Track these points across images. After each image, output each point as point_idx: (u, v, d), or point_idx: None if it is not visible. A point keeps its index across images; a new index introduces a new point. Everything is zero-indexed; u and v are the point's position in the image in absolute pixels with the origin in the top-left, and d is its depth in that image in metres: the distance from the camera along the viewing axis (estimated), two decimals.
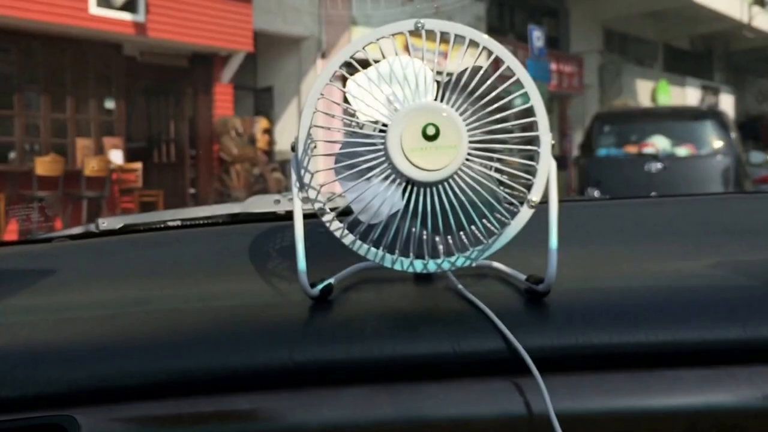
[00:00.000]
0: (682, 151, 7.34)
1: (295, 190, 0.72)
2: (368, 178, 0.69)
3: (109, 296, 0.83)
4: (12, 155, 7.78)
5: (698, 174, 7.05)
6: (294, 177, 0.72)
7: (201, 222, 1.09)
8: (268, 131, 9.20)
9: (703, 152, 7.30)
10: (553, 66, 12.93)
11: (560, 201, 0.72)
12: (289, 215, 0.75)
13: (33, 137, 7.98)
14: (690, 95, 15.97)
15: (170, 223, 1.07)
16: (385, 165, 0.69)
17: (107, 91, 8.59)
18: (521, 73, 0.69)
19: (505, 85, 0.70)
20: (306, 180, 0.71)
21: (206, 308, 0.76)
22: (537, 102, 0.69)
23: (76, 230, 1.13)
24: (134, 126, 9.09)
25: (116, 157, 8.23)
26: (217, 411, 0.66)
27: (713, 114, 8.24)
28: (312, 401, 0.66)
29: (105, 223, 1.08)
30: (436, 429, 0.65)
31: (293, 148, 0.71)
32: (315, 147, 0.71)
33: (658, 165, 6.97)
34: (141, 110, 9.33)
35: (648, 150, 7.29)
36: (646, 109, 12.34)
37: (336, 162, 0.72)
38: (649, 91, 15.00)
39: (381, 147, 0.69)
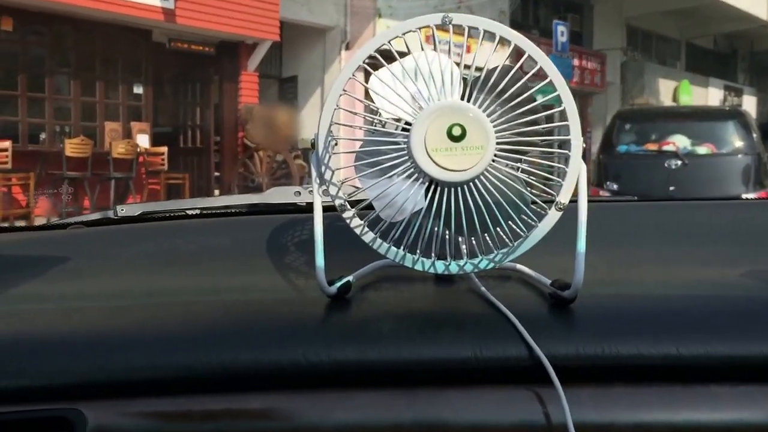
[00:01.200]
0: (703, 149, 7.23)
1: (315, 186, 0.69)
2: (390, 177, 0.66)
3: (122, 286, 0.80)
4: (42, 136, 7.84)
5: (718, 172, 6.94)
6: (314, 173, 0.69)
7: (220, 212, 1.06)
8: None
9: (724, 151, 7.19)
10: (576, 62, 12.80)
11: (588, 201, 0.68)
12: (309, 207, 0.72)
13: (63, 120, 8.04)
14: (712, 95, 15.76)
15: (189, 212, 1.04)
16: (408, 164, 0.66)
17: (136, 77, 8.61)
18: (554, 74, 0.65)
19: (537, 87, 0.66)
20: (327, 176, 0.68)
21: (219, 302, 0.73)
22: (569, 105, 0.65)
23: (94, 216, 1.11)
24: (161, 111, 9.14)
25: (143, 141, 8.27)
26: (228, 409, 0.63)
27: (735, 114, 8.11)
28: (326, 403, 0.63)
29: (123, 209, 1.06)
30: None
31: (313, 145, 0.68)
32: (336, 144, 0.68)
33: (678, 162, 6.87)
34: (168, 96, 9.37)
35: (668, 148, 7.20)
36: (667, 107, 12.18)
37: (357, 159, 0.69)
38: (671, 90, 14.81)
39: (404, 146, 0.65)
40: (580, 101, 13.42)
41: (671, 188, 6.57)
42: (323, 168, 0.68)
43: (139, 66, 8.63)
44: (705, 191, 6.55)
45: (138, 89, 8.67)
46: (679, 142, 7.25)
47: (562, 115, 0.65)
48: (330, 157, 0.68)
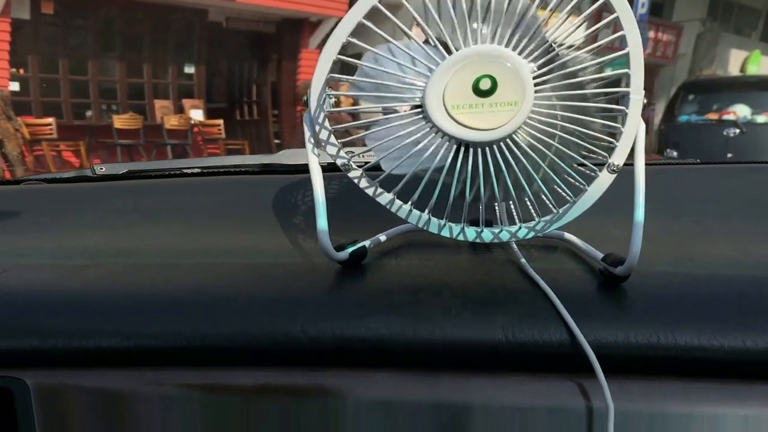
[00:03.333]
0: (762, 118, 7.14)
1: (309, 147, 0.60)
2: (399, 137, 0.56)
3: (85, 244, 0.70)
4: (89, 113, 7.88)
5: None
6: (307, 133, 0.60)
7: (223, 171, 0.95)
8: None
9: None
10: (651, 34, 12.43)
11: (646, 165, 0.57)
12: (327, 168, 0.63)
13: (109, 99, 8.06)
14: None
15: (185, 171, 0.93)
16: (423, 123, 0.55)
17: (187, 58, 8.60)
18: (623, 8, 0.54)
19: (597, 26, 0.55)
20: (323, 136, 0.59)
21: (203, 264, 0.63)
22: (635, 49, 0.54)
23: (68, 174, 1.00)
24: (215, 90, 9.12)
25: (197, 115, 8.27)
26: (209, 385, 0.54)
27: None
28: (332, 384, 0.54)
29: (103, 168, 0.94)
30: (480, 430, 0.53)
31: (306, 103, 0.60)
32: (333, 102, 0.59)
33: (736, 130, 6.82)
34: (223, 75, 9.35)
35: (728, 117, 7.10)
36: (732, 77, 11.84)
37: (358, 118, 0.60)
38: (741, 61, 14.29)
39: (418, 103, 0.56)
40: (648, 74, 12.89)
41: (729, 155, 6.49)
42: (317, 127, 0.59)
43: (192, 47, 8.59)
44: (762, 158, 6.39)
45: (190, 69, 8.66)
46: (739, 111, 7.21)
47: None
48: (324, 116, 0.59)
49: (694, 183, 0.87)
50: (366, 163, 0.60)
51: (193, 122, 8.04)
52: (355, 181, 0.60)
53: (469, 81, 0.54)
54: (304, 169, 0.86)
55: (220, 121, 8.26)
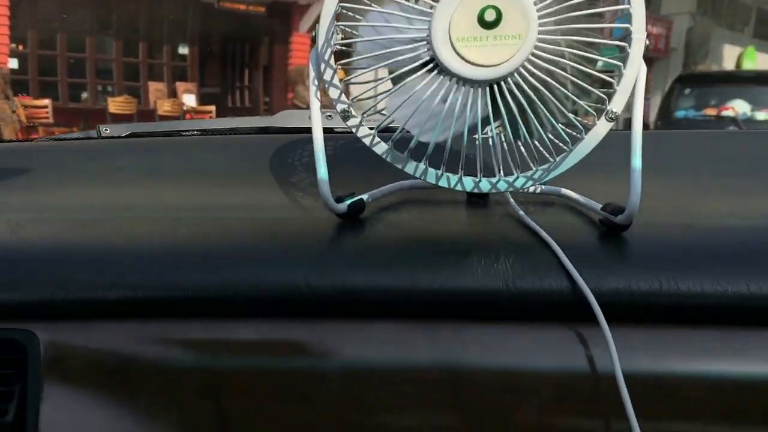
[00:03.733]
0: (762, 115, 7.02)
1: (312, 89, 0.59)
2: (406, 73, 0.56)
3: (93, 199, 0.71)
4: (84, 95, 7.86)
5: None
6: (312, 73, 0.59)
7: (222, 132, 0.96)
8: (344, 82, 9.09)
9: None
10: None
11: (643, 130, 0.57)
12: (325, 132, 0.63)
13: (105, 80, 8.04)
14: None
15: (186, 132, 0.94)
16: (428, 58, 0.55)
17: (181, 38, 8.58)
18: None
19: None
20: (327, 77, 0.58)
21: (207, 219, 0.64)
22: None
23: (76, 135, 1.00)
24: (208, 72, 9.09)
25: (189, 100, 8.25)
26: (211, 337, 0.54)
27: None
28: (332, 335, 0.54)
29: (108, 129, 0.95)
30: (481, 381, 0.53)
31: (313, 40, 0.58)
32: (341, 38, 0.58)
33: (735, 128, 6.75)
34: (215, 57, 9.32)
35: (727, 113, 6.99)
36: (729, 72, 11.79)
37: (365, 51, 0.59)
38: (735, 57, 14.30)
39: (424, 35, 0.55)
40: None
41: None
42: (323, 66, 0.58)
43: (185, 27, 8.58)
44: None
45: (183, 50, 8.64)
46: (738, 107, 7.07)
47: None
48: (332, 54, 0.58)
49: (693, 147, 0.87)
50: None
51: (185, 108, 8.01)
52: (353, 129, 0.60)
53: (475, 11, 0.53)
54: (301, 130, 0.87)
55: (212, 108, 8.25)
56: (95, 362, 0.54)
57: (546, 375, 0.53)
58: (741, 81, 8.14)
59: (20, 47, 7.26)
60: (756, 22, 15.82)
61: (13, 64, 7.10)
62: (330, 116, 0.93)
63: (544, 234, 0.58)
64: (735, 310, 0.53)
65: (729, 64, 14.26)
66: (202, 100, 8.51)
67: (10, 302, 0.55)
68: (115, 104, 7.45)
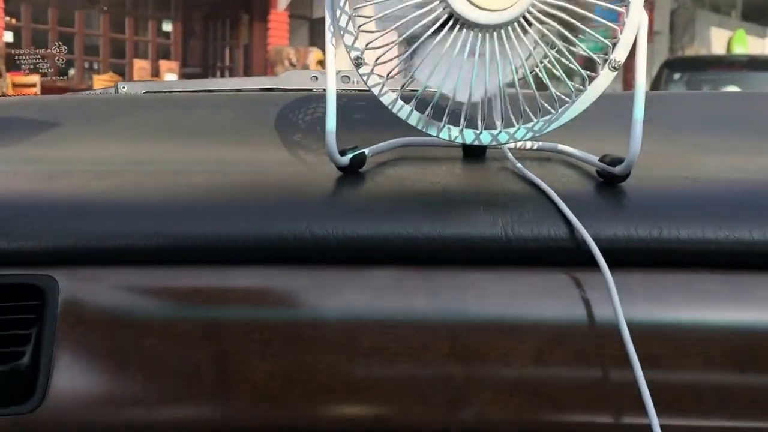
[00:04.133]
0: None
1: (328, 35, 0.61)
2: (413, 19, 0.57)
3: (111, 153, 0.73)
4: (72, 72, 7.83)
5: None
6: (328, 19, 0.60)
7: (229, 92, 0.99)
8: (322, 63, 9.06)
9: None
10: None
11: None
12: (324, 94, 0.64)
13: (93, 56, 8.02)
14: None
15: (196, 91, 0.97)
16: (436, 3, 0.57)
17: (165, 14, 8.55)
18: None
19: None
20: (342, 23, 0.60)
21: (218, 172, 0.66)
22: None
23: (95, 92, 1.03)
24: (190, 51, 9.07)
25: (171, 79, 8.24)
26: (221, 284, 0.56)
27: None
28: (332, 281, 0.56)
29: (125, 87, 0.98)
30: (477, 323, 0.55)
31: None
32: None
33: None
34: (197, 35, 9.29)
35: None
36: (720, 56, 11.72)
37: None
38: (724, 41, 14.32)
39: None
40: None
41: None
42: (338, 11, 0.60)
43: (169, 2, 8.54)
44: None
45: (167, 26, 8.62)
46: None
47: None
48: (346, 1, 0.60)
49: (692, 107, 0.89)
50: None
51: None
52: (364, 78, 0.61)
53: None
54: (303, 90, 0.90)
55: None
56: (107, 307, 0.56)
57: (544, 319, 0.55)
58: (733, 66, 8.04)
59: (14, 21, 7.22)
60: (743, 4, 15.85)
61: (8, 37, 7.05)
62: (315, 78, 0.95)
63: (541, 183, 0.59)
64: (737, 255, 0.55)
65: (717, 49, 14.26)
66: (183, 78, 8.49)
67: (32, 249, 0.57)
68: (101, 82, 7.40)
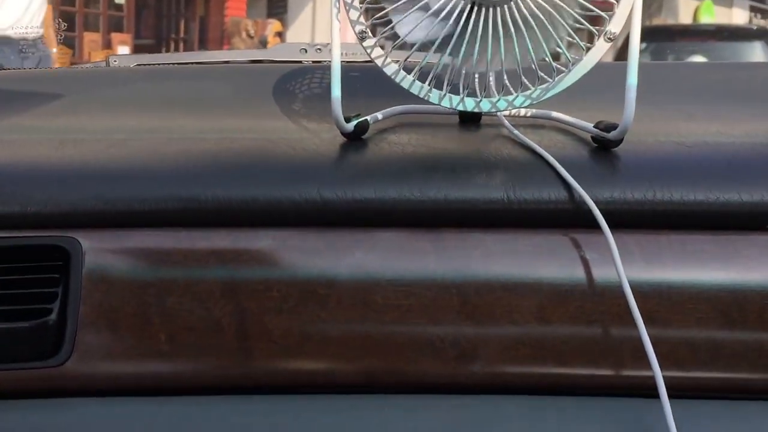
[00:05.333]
0: None
1: (334, 11, 0.65)
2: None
3: (120, 122, 0.77)
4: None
5: None
6: None
7: (222, 63, 1.02)
8: (280, 34, 9.02)
9: None
10: None
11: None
12: (315, 65, 0.68)
13: None
14: (737, 17, 15.44)
15: (188, 63, 1.01)
16: None
17: None
18: None
19: None
20: None
21: (226, 139, 0.70)
22: None
23: (86, 65, 1.07)
24: (143, 23, 8.96)
25: (123, 52, 8.13)
26: (234, 245, 0.61)
27: (762, 33, 7.92)
28: (343, 242, 0.61)
29: (116, 60, 1.02)
30: (483, 282, 0.60)
31: None
32: None
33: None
34: (151, 6, 9.18)
35: None
36: (687, 25, 11.84)
37: None
38: (691, 11, 14.48)
39: None
40: (590, 23, 13.06)
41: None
42: None
43: None
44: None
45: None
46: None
47: None
48: None
49: (677, 78, 0.95)
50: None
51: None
52: (368, 50, 0.65)
53: None
54: (293, 62, 0.93)
55: None
56: (130, 268, 0.61)
57: (546, 278, 0.60)
58: (700, 35, 8.18)
59: None
60: None
61: None
62: (319, 49, 0.99)
63: (538, 148, 0.64)
64: (726, 216, 0.61)
65: (685, 18, 14.41)
66: (136, 51, 8.39)
67: (56, 213, 0.61)
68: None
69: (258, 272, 0.61)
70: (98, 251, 0.60)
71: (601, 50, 0.64)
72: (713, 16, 14.35)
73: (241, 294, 0.60)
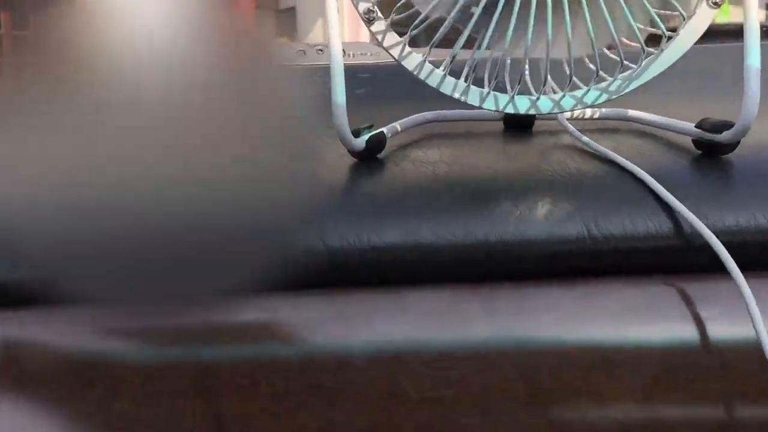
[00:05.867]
0: None
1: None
2: None
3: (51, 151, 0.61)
4: None
5: None
6: None
7: None
8: None
9: None
10: None
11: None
12: (315, 67, 0.52)
13: None
14: None
15: None
16: None
17: None
18: None
19: None
20: None
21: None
22: None
23: None
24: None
25: None
26: (212, 321, 0.43)
27: None
28: (357, 309, 0.44)
29: None
30: (560, 356, 0.42)
31: None
32: None
33: None
34: None
35: None
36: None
37: None
38: None
39: None
40: None
41: None
42: None
43: None
44: None
45: None
46: None
47: None
48: None
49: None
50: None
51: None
52: (379, 37, 0.48)
53: None
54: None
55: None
56: (58, 358, 0.43)
57: (651, 345, 0.42)
58: (720, 36, 8.19)
59: None
60: None
61: None
62: (320, 50, 0.83)
63: (628, 163, 0.47)
64: None
65: None
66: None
67: None
68: None
69: (241, 358, 0.43)
70: (10, 340, 0.43)
71: (704, 21, 0.46)
72: (728, 16, 14.33)
73: (218, 389, 0.42)
